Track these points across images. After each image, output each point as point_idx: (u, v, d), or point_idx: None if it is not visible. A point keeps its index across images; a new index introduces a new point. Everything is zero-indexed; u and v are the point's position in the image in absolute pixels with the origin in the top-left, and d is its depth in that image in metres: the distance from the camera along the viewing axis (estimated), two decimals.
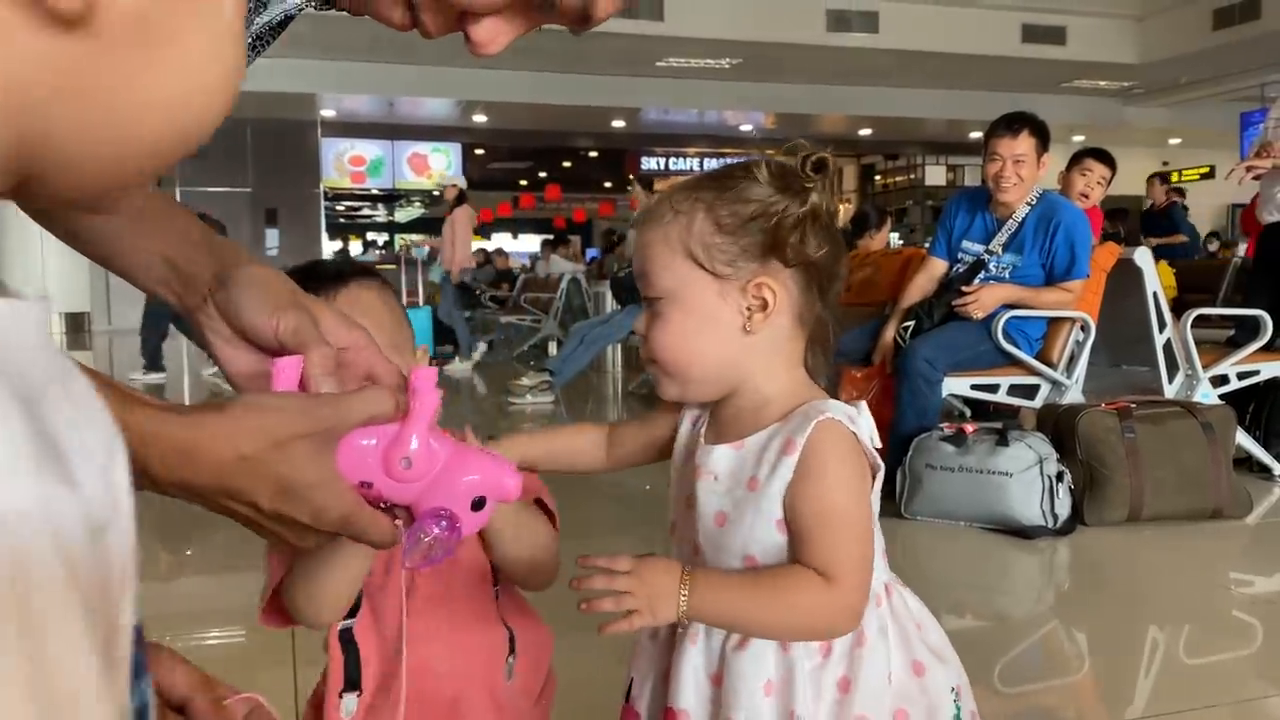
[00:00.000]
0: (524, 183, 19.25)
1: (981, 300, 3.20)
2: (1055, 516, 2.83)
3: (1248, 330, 3.64)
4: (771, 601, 0.82)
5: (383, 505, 0.65)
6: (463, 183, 8.81)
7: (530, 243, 18.90)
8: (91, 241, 0.69)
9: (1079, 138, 10.79)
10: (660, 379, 0.88)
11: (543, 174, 18.73)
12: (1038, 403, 3.33)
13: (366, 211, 20.63)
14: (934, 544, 2.86)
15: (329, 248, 15.66)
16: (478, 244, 16.51)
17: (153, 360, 6.82)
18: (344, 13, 0.65)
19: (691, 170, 17.42)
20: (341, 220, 20.00)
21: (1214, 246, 11.46)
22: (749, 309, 0.84)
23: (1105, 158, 4.26)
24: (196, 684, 0.55)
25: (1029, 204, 3.28)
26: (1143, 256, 3.52)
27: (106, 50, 0.29)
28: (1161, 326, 3.49)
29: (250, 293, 0.66)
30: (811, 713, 0.82)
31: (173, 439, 0.55)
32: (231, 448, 0.57)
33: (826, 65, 10.84)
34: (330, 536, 0.63)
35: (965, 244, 3.39)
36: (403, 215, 20.08)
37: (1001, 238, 3.30)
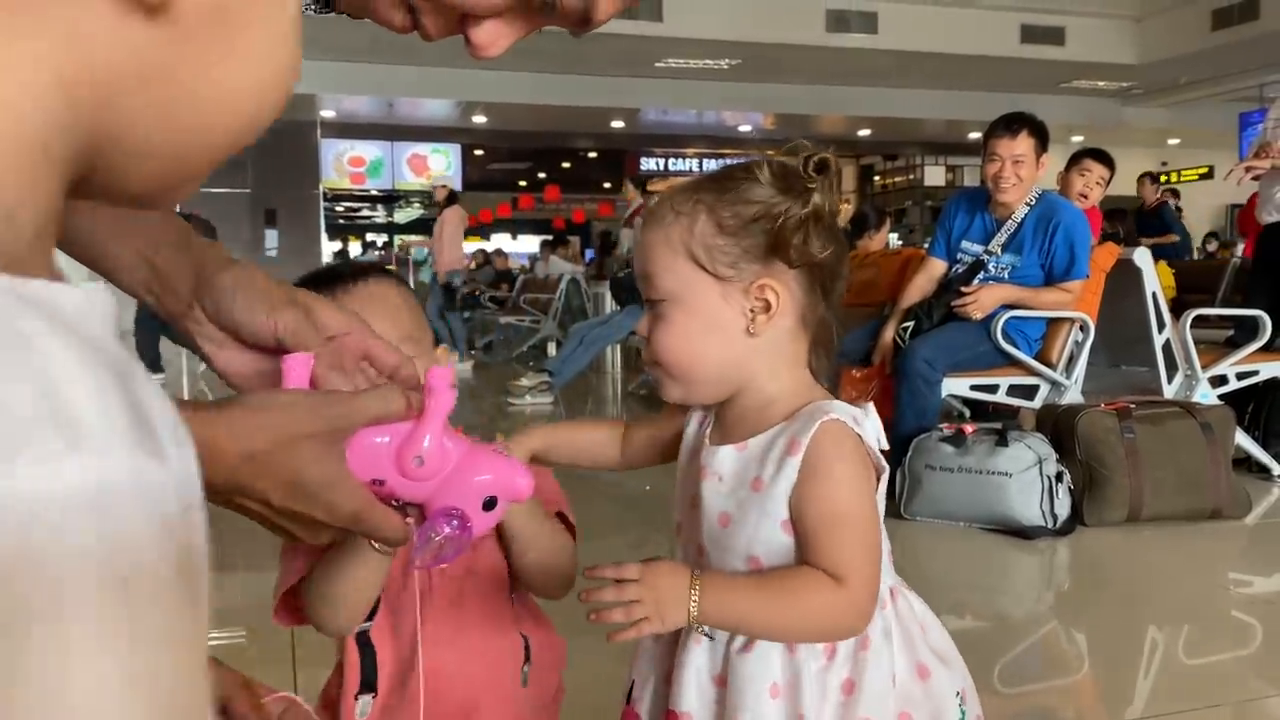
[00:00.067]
0: (523, 183, 19.25)
1: (981, 301, 3.20)
2: (1055, 517, 2.83)
3: (1247, 330, 3.64)
4: (782, 604, 0.82)
5: (394, 503, 0.65)
6: (454, 183, 8.82)
7: (529, 243, 18.90)
8: (76, 242, 0.68)
9: (1078, 138, 10.79)
10: (663, 381, 0.88)
11: (542, 175, 18.73)
12: (1037, 403, 3.34)
13: (366, 212, 20.63)
14: (933, 545, 2.86)
15: (328, 249, 15.66)
16: (477, 245, 16.53)
17: (153, 363, 6.82)
18: (344, 15, 0.65)
19: (691, 171, 17.43)
20: (341, 221, 19.99)
21: (1213, 247, 11.48)
22: (752, 311, 0.84)
23: (1104, 158, 4.26)
24: (236, 684, 0.56)
25: (1028, 204, 3.28)
26: (1142, 257, 3.52)
27: (185, 39, 0.30)
28: (1161, 327, 3.49)
29: (241, 295, 0.66)
30: (817, 715, 0.82)
31: None
32: (242, 446, 0.57)
33: (825, 66, 10.84)
34: (343, 533, 0.63)
35: (964, 244, 3.39)
36: (402, 216, 20.08)
37: (1001, 238, 3.30)
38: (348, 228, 20.92)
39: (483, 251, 14.51)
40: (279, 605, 0.89)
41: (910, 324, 3.28)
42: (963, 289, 3.25)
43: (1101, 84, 11.86)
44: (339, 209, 19.43)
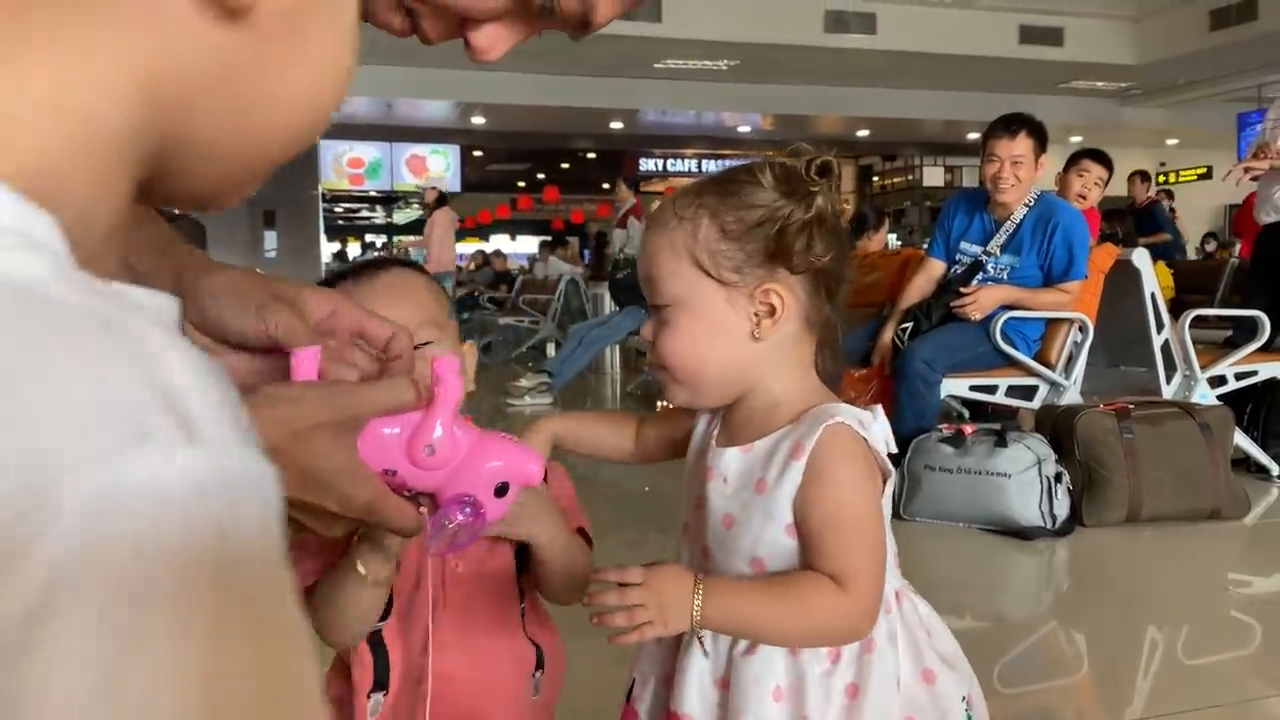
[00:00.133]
0: (522, 184, 19.26)
1: (980, 301, 3.20)
2: (1054, 517, 2.83)
3: (1245, 331, 3.64)
4: (785, 608, 0.82)
5: (407, 493, 0.65)
6: (452, 185, 8.84)
7: (528, 244, 18.91)
8: None
9: (1077, 139, 10.80)
10: (669, 385, 0.88)
11: (541, 176, 18.75)
12: (1036, 404, 3.34)
13: (365, 214, 20.63)
14: (933, 545, 2.86)
15: (327, 250, 15.65)
16: (476, 246, 16.52)
17: None
18: None
19: (690, 171, 17.44)
20: (340, 222, 20.00)
21: (1211, 247, 11.48)
22: (757, 315, 0.84)
23: (1102, 159, 4.27)
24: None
25: (1027, 205, 3.28)
26: (1140, 257, 3.53)
27: (261, 43, 0.30)
28: (1159, 327, 3.49)
29: (228, 301, 0.65)
30: (821, 718, 0.82)
31: None
32: None
33: (824, 66, 10.83)
34: (356, 525, 0.63)
35: (963, 245, 3.39)
36: (401, 217, 20.09)
37: (1000, 239, 3.30)
38: (347, 229, 20.92)
39: (481, 252, 14.51)
40: None
41: (909, 325, 3.28)
42: (962, 290, 3.25)
43: (1100, 84, 11.86)
44: (338, 210, 19.44)
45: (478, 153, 17.38)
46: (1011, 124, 3.28)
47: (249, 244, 12.55)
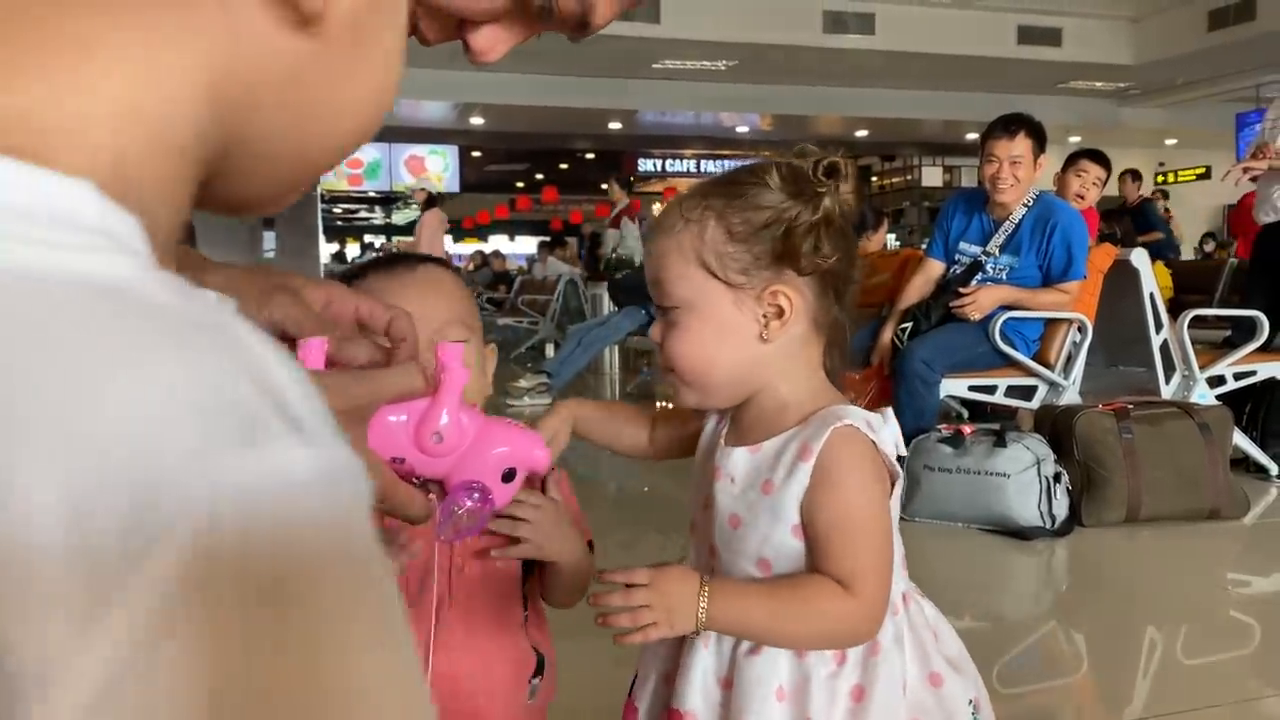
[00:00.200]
0: (521, 185, 19.27)
1: (979, 301, 3.20)
2: (1053, 517, 2.83)
3: (1244, 331, 3.64)
4: (791, 611, 0.82)
5: (415, 480, 0.65)
6: (452, 184, 8.85)
7: (527, 245, 18.91)
8: None
9: (1075, 139, 10.80)
10: (678, 387, 0.88)
11: (540, 176, 18.75)
12: (1035, 404, 3.34)
13: (364, 214, 20.63)
14: (932, 545, 2.86)
15: (326, 250, 15.64)
16: (475, 246, 16.52)
17: None
18: None
19: (689, 172, 17.44)
20: (339, 223, 19.99)
21: (1210, 247, 11.48)
22: (765, 316, 0.84)
23: (1100, 159, 4.27)
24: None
25: (1026, 205, 3.29)
26: (1139, 257, 3.53)
27: (327, 50, 0.31)
28: (1158, 327, 3.49)
29: (231, 298, 0.66)
30: (825, 719, 0.82)
31: None
32: None
33: (822, 67, 10.84)
34: None
35: (962, 245, 3.39)
36: (400, 218, 20.09)
37: (999, 239, 3.30)
38: (345, 229, 20.91)
39: (480, 253, 14.51)
40: None
41: (908, 325, 3.28)
42: (961, 290, 3.25)
43: (1098, 85, 11.87)
44: (337, 210, 19.43)
45: (476, 153, 17.38)
46: (1010, 124, 3.28)
47: (247, 244, 12.54)
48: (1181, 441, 2.98)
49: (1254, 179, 3.91)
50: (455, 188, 16.74)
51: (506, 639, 0.93)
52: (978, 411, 3.85)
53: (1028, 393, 3.36)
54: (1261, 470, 3.52)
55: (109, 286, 0.25)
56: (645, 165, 17.65)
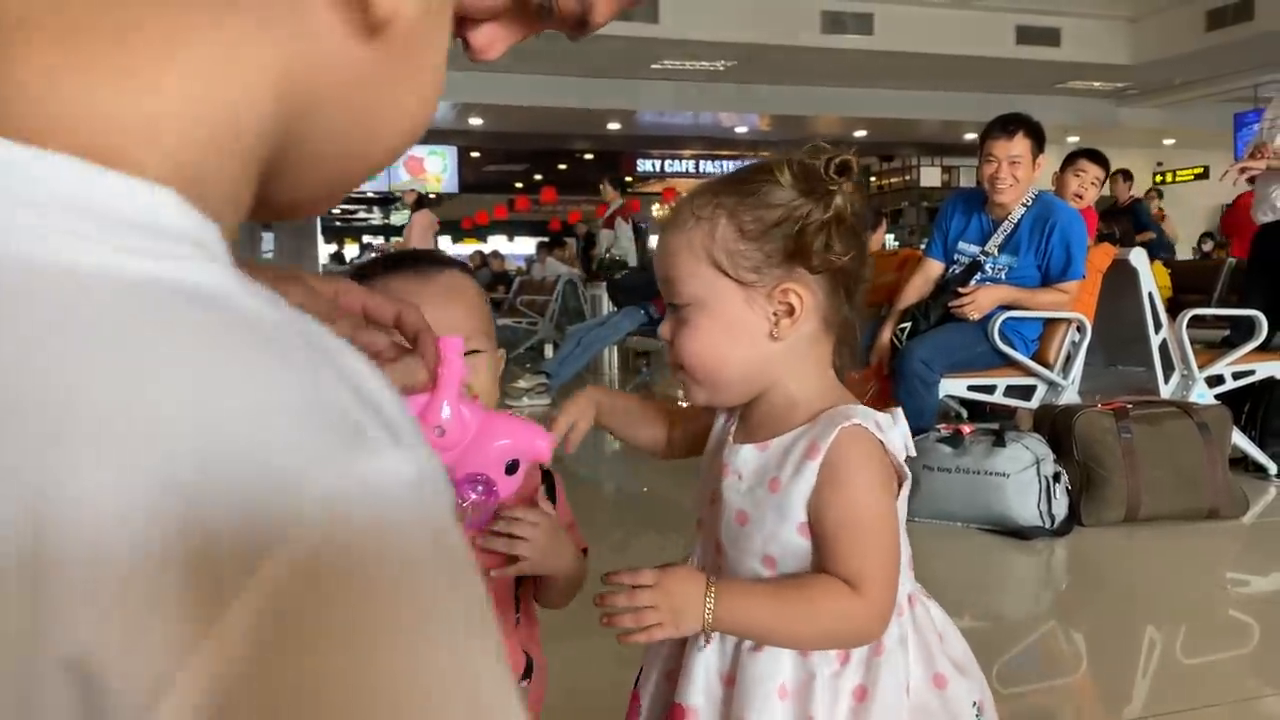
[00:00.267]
0: (520, 185, 19.26)
1: (978, 301, 3.20)
2: (1052, 517, 2.83)
3: (1243, 330, 3.64)
4: (797, 611, 0.82)
5: None
6: (441, 186, 8.86)
7: (526, 245, 18.91)
8: None
9: (1073, 139, 10.80)
10: (688, 385, 0.88)
11: (538, 176, 18.74)
12: (1034, 403, 3.34)
13: (362, 215, 20.62)
14: (931, 545, 2.85)
15: (324, 250, 15.65)
16: (474, 247, 16.50)
17: None
18: None
19: (687, 172, 17.44)
20: (337, 223, 19.99)
21: (1208, 247, 11.49)
22: (775, 315, 0.84)
23: (1099, 158, 4.27)
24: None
25: (1025, 205, 3.29)
26: (1138, 257, 3.53)
27: (387, 58, 0.32)
28: (1157, 327, 3.49)
29: None
30: (828, 719, 0.82)
31: None
32: None
33: (821, 67, 10.84)
34: None
35: (961, 245, 3.39)
36: (398, 218, 20.07)
37: (997, 239, 3.30)
38: (344, 230, 20.91)
39: (479, 253, 14.51)
40: None
41: (907, 325, 3.28)
42: (960, 290, 3.25)
43: (1097, 84, 11.87)
44: (335, 211, 19.42)
45: (475, 154, 17.37)
46: (1009, 124, 3.28)
47: (246, 244, 12.54)
48: (1180, 441, 2.98)
49: (1251, 180, 3.91)
50: (454, 188, 16.73)
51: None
52: (977, 411, 3.85)
53: (1027, 392, 3.36)
54: (1260, 469, 3.52)
55: (203, 295, 0.26)
56: (644, 165, 17.64)
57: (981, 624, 2.32)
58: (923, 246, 3.79)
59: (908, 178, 17.45)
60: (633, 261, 7.71)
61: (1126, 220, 7.57)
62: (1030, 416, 3.32)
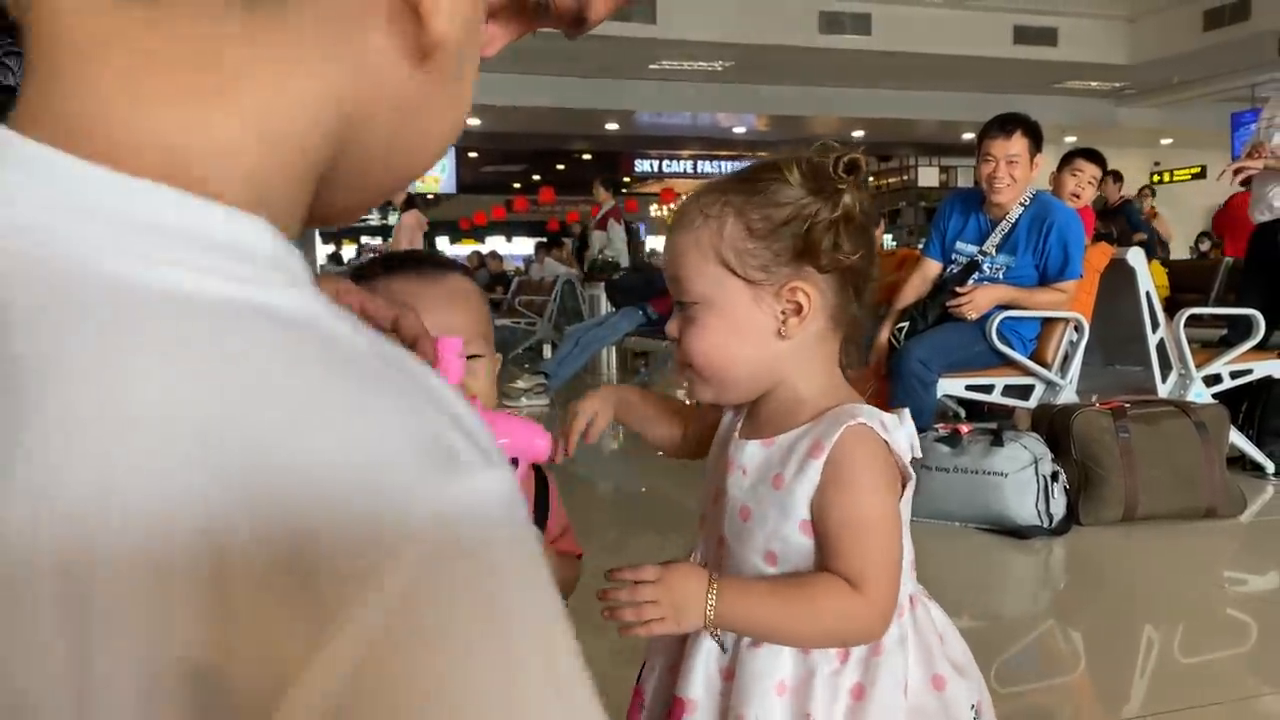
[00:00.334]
0: (518, 185, 19.25)
1: (975, 301, 3.20)
2: (1050, 516, 2.83)
3: (1240, 329, 3.65)
4: (799, 610, 0.82)
5: None
6: (439, 187, 8.85)
7: (524, 246, 18.89)
8: None
9: (1071, 138, 10.81)
10: (695, 383, 0.88)
11: (536, 177, 18.74)
12: (1032, 403, 3.34)
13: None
14: (929, 544, 2.85)
15: (322, 251, 15.63)
16: (472, 247, 16.49)
17: None
18: None
19: (685, 173, 17.43)
20: None
21: (1205, 246, 11.50)
22: (783, 313, 0.84)
23: (1095, 158, 4.27)
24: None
25: (1022, 205, 3.29)
26: (1135, 257, 3.53)
27: (432, 82, 0.34)
28: (1155, 326, 3.50)
29: None
30: (826, 717, 0.82)
31: None
32: None
33: (819, 67, 10.84)
34: None
35: (959, 245, 3.39)
36: (396, 219, 20.05)
37: (995, 238, 3.30)
38: (342, 231, 20.87)
39: (477, 254, 14.51)
40: None
41: (905, 324, 3.28)
42: (957, 289, 3.25)
43: (1094, 84, 11.88)
44: None
45: (473, 154, 17.37)
46: (1006, 124, 3.29)
47: None
48: (1178, 440, 2.98)
49: (1246, 181, 3.91)
50: (452, 189, 16.73)
51: None
52: (975, 411, 3.86)
53: (1025, 392, 3.36)
54: (1258, 468, 3.53)
55: (298, 321, 0.28)
56: (642, 166, 17.65)
57: (980, 623, 2.32)
58: (920, 246, 3.79)
59: (905, 178, 17.47)
60: (625, 263, 7.71)
61: (1124, 219, 7.58)
62: (1028, 416, 3.32)
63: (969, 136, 10.70)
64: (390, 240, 18.99)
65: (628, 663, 0.99)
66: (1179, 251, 9.78)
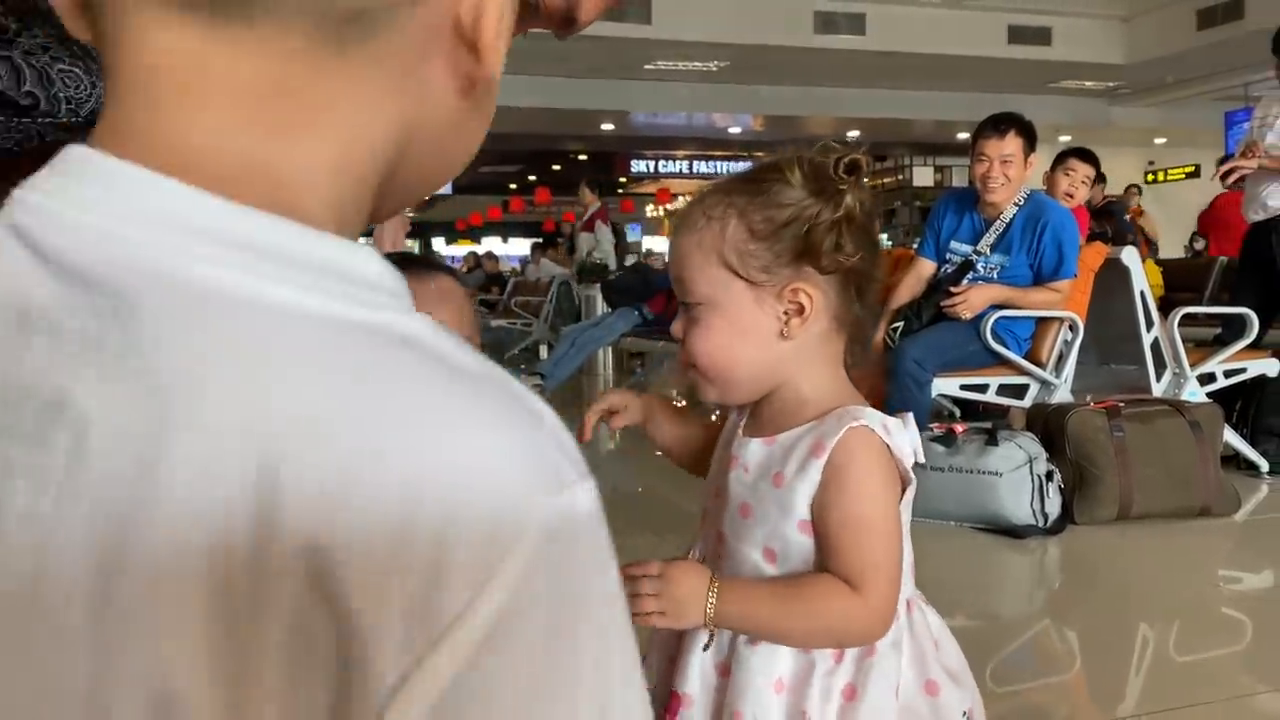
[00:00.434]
0: (513, 186, 19.23)
1: (970, 300, 3.21)
2: (1045, 515, 2.83)
3: (1234, 328, 3.65)
4: (798, 610, 0.83)
5: None
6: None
7: (520, 246, 18.88)
8: None
9: (1066, 138, 10.83)
10: (699, 383, 0.89)
11: (532, 177, 18.72)
12: (1027, 402, 3.35)
13: None
14: (925, 544, 2.84)
15: None
16: (468, 248, 16.47)
17: None
18: None
19: (681, 173, 17.43)
20: None
21: (1200, 245, 11.52)
22: (786, 314, 0.84)
23: (1089, 157, 4.27)
24: None
25: (1016, 204, 3.29)
26: (1129, 256, 3.54)
27: (471, 107, 0.37)
28: (1149, 325, 3.50)
29: None
30: (820, 715, 0.83)
31: None
32: None
33: (814, 67, 10.85)
34: None
35: (953, 245, 3.39)
36: None
37: (989, 238, 3.31)
38: None
39: (474, 254, 14.49)
40: None
41: (900, 324, 3.28)
42: (952, 289, 3.25)
43: (1089, 84, 11.90)
44: None
45: None
46: (1000, 123, 3.29)
47: None
48: (1173, 439, 2.99)
49: (1239, 180, 3.91)
50: (448, 189, 16.71)
51: None
52: (970, 410, 3.86)
53: (1020, 391, 3.36)
54: (1252, 467, 3.54)
55: (417, 342, 0.31)
56: (638, 166, 17.64)
57: (975, 623, 2.32)
58: (915, 246, 3.80)
59: (900, 177, 17.47)
60: (614, 264, 7.72)
61: (1116, 220, 7.58)
62: (1023, 415, 3.33)
63: (964, 136, 10.71)
64: (372, 238, 19.00)
65: None
66: (1174, 250, 9.79)
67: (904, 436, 0.84)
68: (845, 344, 0.89)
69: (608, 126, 13.86)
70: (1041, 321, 3.32)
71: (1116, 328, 3.58)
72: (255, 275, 0.30)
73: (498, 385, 0.31)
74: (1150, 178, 13.79)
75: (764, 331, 0.84)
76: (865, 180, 0.84)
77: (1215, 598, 2.50)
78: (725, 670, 0.87)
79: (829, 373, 0.88)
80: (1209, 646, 2.12)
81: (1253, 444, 3.57)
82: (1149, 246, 8.29)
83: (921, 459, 0.86)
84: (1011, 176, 3.25)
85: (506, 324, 9.28)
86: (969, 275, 3.29)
